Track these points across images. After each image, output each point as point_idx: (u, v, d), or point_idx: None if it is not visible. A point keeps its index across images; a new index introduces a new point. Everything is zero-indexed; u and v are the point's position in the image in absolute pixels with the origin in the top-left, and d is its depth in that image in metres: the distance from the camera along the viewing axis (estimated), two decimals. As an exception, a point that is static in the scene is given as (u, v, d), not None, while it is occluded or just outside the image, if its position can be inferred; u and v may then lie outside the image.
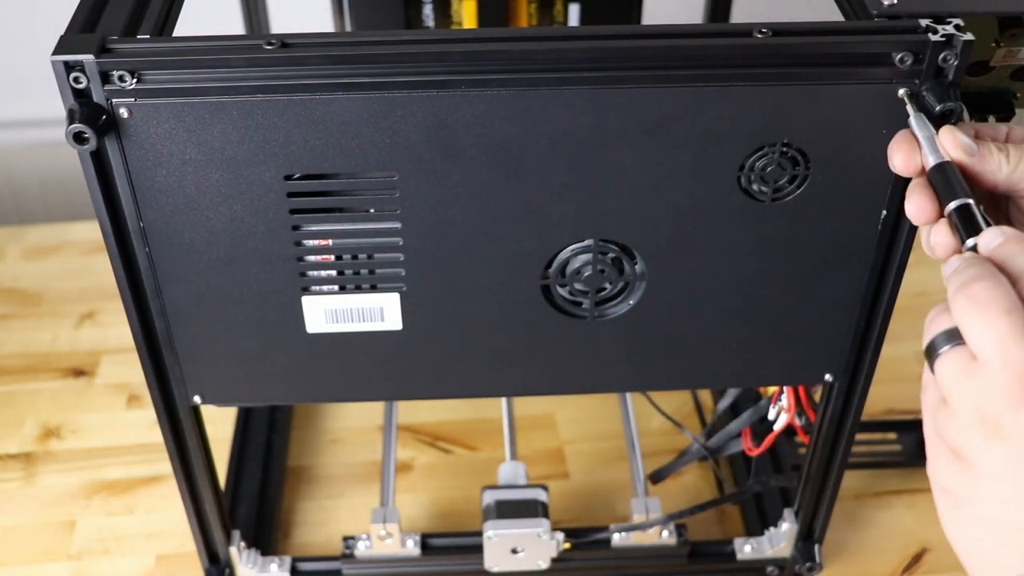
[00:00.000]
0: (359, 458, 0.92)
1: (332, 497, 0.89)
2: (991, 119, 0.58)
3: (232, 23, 0.91)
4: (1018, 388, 0.40)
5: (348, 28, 0.87)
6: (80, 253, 1.13)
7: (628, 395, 0.89)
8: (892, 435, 0.90)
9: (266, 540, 0.83)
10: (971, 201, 0.47)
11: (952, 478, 0.43)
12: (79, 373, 0.99)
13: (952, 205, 0.47)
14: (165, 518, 0.86)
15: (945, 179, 0.49)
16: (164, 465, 0.75)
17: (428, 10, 0.84)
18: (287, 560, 0.78)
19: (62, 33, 0.51)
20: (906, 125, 0.52)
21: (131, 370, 0.98)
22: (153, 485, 0.89)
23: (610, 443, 0.93)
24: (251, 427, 0.92)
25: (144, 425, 0.94)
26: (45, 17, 1.12)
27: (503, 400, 0.88)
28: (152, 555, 0.83)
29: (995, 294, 0.41)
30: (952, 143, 0.49)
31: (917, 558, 0.83)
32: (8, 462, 0.91)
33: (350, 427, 0.95)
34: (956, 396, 0.42)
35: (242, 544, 0.76)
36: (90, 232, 1.15)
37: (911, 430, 0.90)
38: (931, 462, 0.44)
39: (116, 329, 1.03)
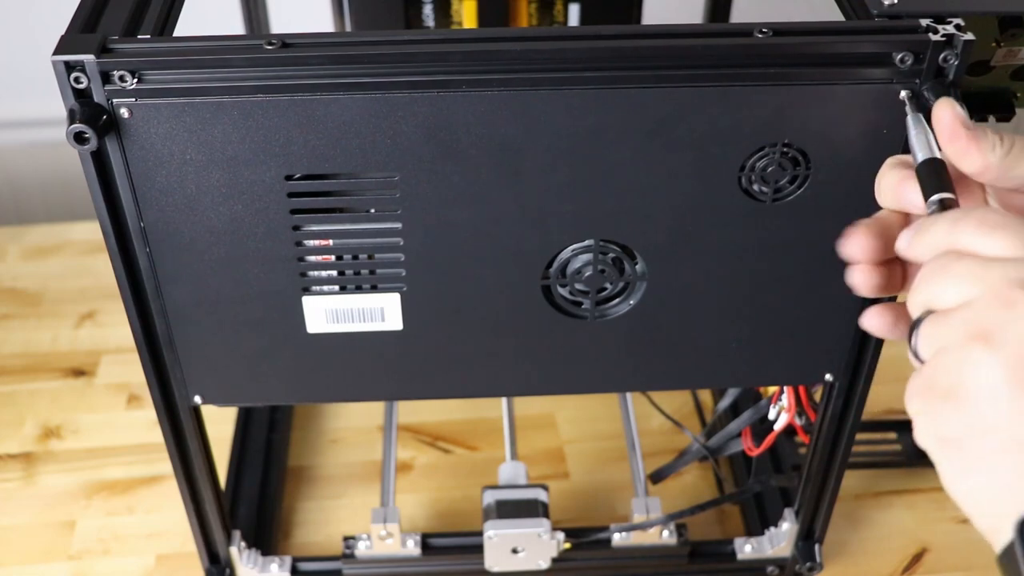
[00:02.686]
0: (359, 458, 0.92)
1: (332, 497, 0.89)
2: (991, 119, 0.58)
3: (232, 23, 0.91)
4: None
5: (348, 28, 0.87)
6: (80, 253, 1.13)
7: (628, 395, 0.89)
8: (892, 435, 0.91)
9: (266, 540, 0.83)
10: (954, 196, 0.45)
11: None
12: (79, 373, 0.99)
13: (936, 197, 0.46)
14: (165, 518, 0.86)
15: (935, 172, 0.47)
16: (164, 465, 0.75)
17: (428, 10, 0.84)
18: (287, 560, 0.78)
19: (62, 33, 0.51)
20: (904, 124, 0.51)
21: (131, 370, 0.98)
22: (153, 485, 0.89)
23: (610, 443, 0.93)
24: (251, 427, 0.92)
25: (144, 425, 0.94)
26: (45, 17, 1.12)
27: (503, 400, 0.88)
28: (152, 555, 0.83)
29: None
30: (949, 112, 0.47)
31: (917, 558, 0.83)
32: (8, 462, 0.91)
33: (350, 427, 0.95)
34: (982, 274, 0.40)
35: (242, 544, 0.76)
36: (90, 232, 1.15)
37: (911, 430, 0.90)
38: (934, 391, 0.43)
39: (116, 329, 1.03)
